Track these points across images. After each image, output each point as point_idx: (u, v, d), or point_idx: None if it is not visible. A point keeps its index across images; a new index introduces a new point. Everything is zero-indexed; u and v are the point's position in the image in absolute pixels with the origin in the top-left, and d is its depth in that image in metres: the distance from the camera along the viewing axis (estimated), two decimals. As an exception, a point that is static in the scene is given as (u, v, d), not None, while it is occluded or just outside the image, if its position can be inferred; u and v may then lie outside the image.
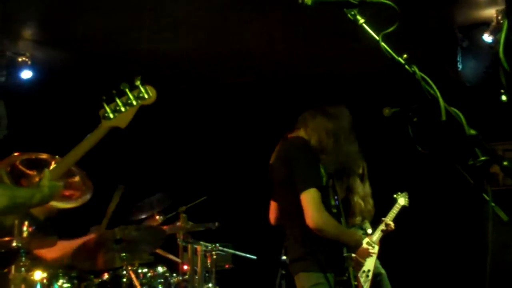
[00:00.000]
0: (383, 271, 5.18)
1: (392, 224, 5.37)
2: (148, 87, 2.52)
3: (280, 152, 3.61)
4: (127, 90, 2.48)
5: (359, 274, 4.96)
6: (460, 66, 5.92)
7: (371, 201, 5.22)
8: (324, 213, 3.38)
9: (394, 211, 5.51)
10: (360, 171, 5.20)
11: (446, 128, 1.70)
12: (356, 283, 3.57)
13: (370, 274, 5.02)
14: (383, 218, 5.38)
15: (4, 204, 2.19)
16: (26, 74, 6.35)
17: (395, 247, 5.53)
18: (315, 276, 3.39)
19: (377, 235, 5.28)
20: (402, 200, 5.64)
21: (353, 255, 3.79)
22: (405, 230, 5.64)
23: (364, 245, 4.98)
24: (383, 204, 5.47)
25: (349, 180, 5.07)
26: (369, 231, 5.30)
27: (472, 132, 1.71)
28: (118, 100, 2.47)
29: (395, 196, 5.69)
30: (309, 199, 3.35)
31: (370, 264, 5.05)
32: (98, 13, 5.49)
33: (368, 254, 5.00)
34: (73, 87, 6.78)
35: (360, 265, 4.95)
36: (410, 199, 5.71)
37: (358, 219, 5.17)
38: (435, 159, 1.84)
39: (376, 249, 5.16)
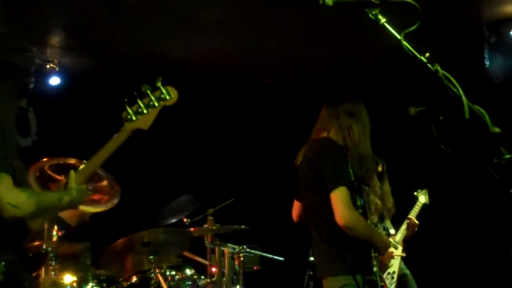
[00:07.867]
0: (407, 271, 5.11)
1: (416, 222, 5.25)
2: (169, 88, 2.50)
3: (308, 152, 3.58)
4: (148, 91, 2.48)
5: (384, 276, 4.89)
6: (487, 63, 5.85)
7: (391, 199, 5.14)
8: (354, 212, 3.36)
9: (415, 209, 5.41)
10: (380, 169, 5.15)
11: (470, 126, 1.68)
12: (382, 283, 3.52)
13: (395, 276, 4.94)
14: (408, 217, 5.28)
15: (33, 209, 2.21)
16: (54, 81, 6.44)
17: (419, 246, 5.45)
18: (343, 279, 3.35)
19: (400, 235, 5.18)
20: (422, 198, 5.54)
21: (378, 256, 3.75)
22: (429, 229, 5.55)
23: None
24: (403, 203, 5.38)
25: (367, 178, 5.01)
26: (392, 231, 5.21)
27: (497, 130, 1.70)
28: (140, 102, 2.48)
29: (415, 193, 5.58)
30: (339, 197, 3.33)
31: (394, 265, 4.99)
32: (123, 18, 5.54)
33: (392, 256, 4.93)
34: (100, 92, 6.84)
35: (385, 266, 4.90)
36: (436, 197, 5.60)
37: (374, 217, 4.91)
38: (459, 157, 1.82)
39: (399, 250, 5.09)
